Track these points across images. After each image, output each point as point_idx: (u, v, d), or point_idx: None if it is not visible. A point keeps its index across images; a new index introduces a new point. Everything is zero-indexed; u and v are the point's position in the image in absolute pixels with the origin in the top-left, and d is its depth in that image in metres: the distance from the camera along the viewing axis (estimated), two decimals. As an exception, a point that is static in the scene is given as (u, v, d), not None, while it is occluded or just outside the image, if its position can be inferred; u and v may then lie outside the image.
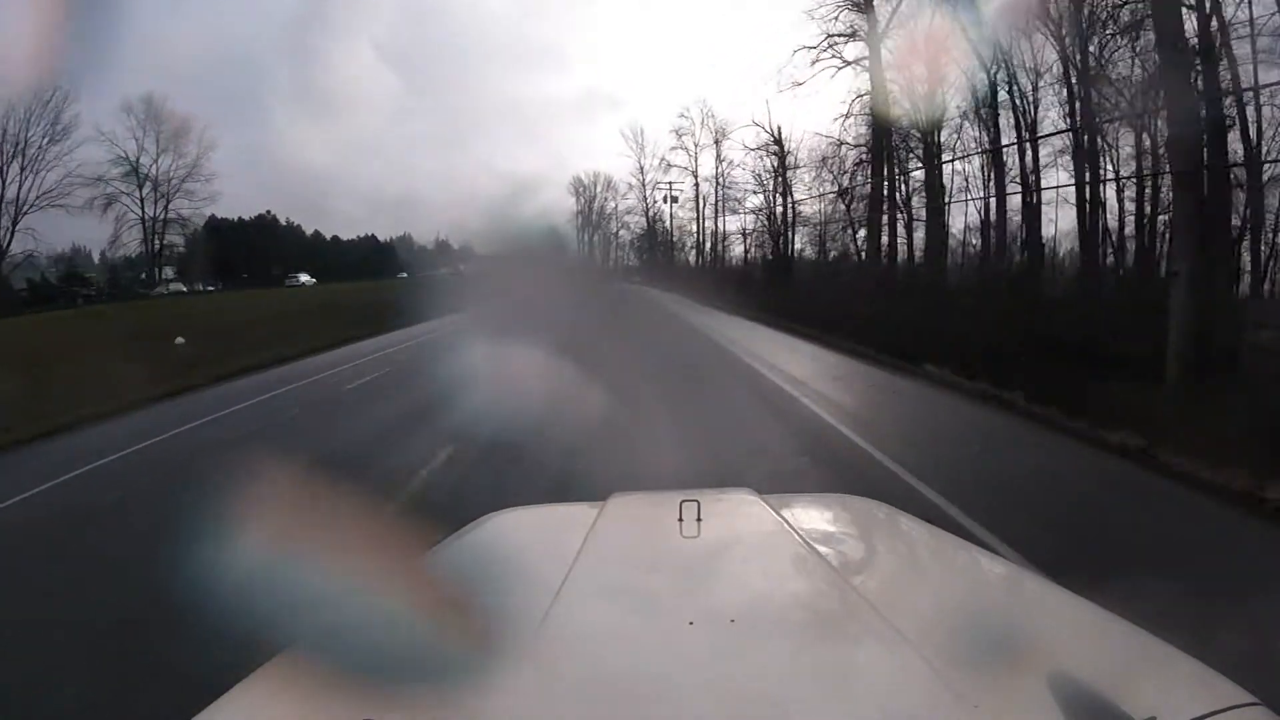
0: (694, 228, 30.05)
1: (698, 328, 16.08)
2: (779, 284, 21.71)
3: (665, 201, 30.19)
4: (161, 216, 26.05)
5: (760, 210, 25.11)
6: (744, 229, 27.03)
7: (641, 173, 32.10)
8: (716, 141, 28.22)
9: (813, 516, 1.51)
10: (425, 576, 1.15)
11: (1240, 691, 0.79)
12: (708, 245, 29.51)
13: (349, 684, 0.80)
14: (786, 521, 1.33)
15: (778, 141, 23.14)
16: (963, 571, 1.32)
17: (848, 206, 20.12)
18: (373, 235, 38.67)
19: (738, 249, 28.63)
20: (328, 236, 37.66)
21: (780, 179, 23.83)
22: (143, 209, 25.66)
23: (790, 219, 23.35)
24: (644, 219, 32.67)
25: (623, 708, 0.78)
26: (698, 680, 0.82)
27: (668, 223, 31.95)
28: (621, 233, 33.88)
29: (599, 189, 33.59)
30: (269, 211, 35.88)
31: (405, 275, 35.53)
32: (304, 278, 34.15)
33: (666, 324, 17.50)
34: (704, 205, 29.59)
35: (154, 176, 25.45)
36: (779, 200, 23.88)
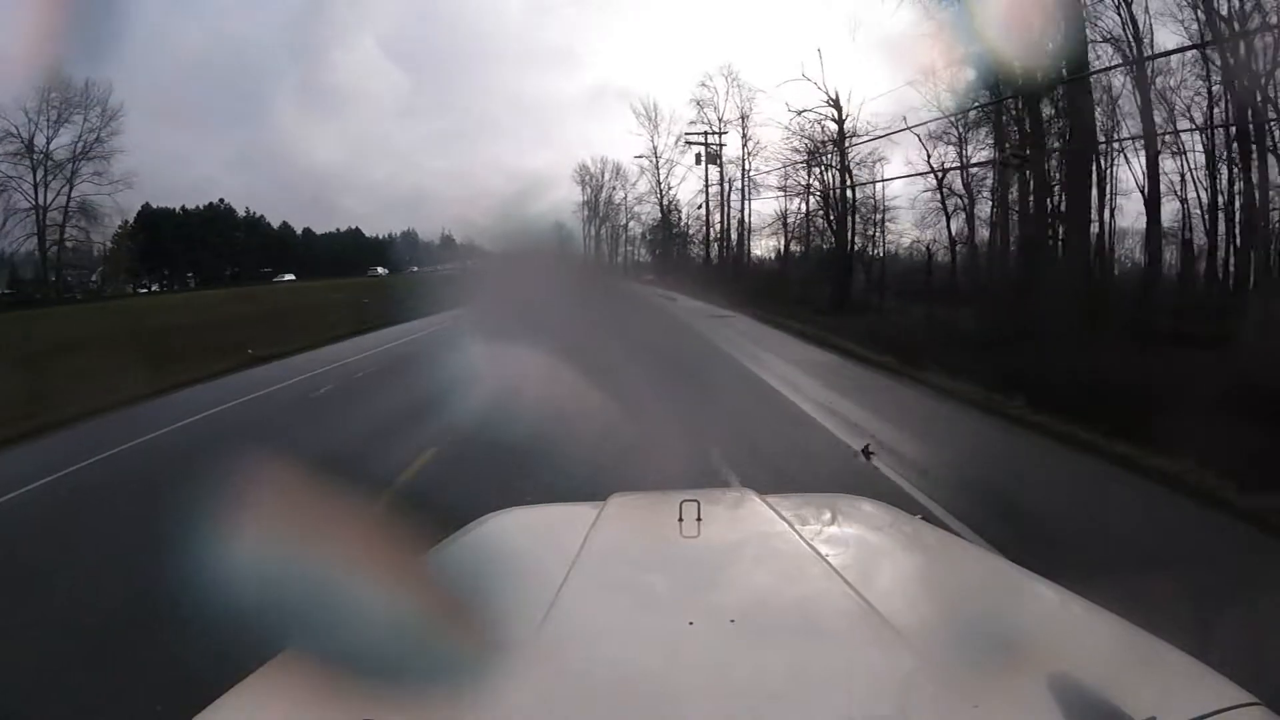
0: (717, 217, 25.18)
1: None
2: (841, 287, 17.06)
3: (699, 162, 24.72)
4: (63, 204, 20.21)
5: (813, 190, 19.71)
6: (783, 213, 21.61)
7: (655, 154, 27.20)
8: (743, 117, 23.20)
9: (813, 516, 1.51)
10: (425, 576, 1.15)
11: (1240, 691, 0.79)
12: (733, 238, 24.75)
13: (349, 684, 0.80)
14: (786, 521, 1.33)
15: (835, 104, 17.89)
16: (963, 571, 1.32)
17: (940, 180, 15.46)
18: (357, 229, 35.93)
19: (757, 244, 23.94)
20: (298, 230, 34.07)
21: (839, 151, 18.26)
22: (36, 195, 19.82)
23: (852, 202, 18.06)
24: (657, 207, 27.87)
25: (623, 708, 0.78)
26: (698, 680, 0.82)
27: (681, 212, 26.88)
28: (631, 225, 29.56)
29: (607, 177, 29.43)
30: (222, 200, 30.97)
31: (382, 271, 33.16)
32: (380, 270, 33.08)
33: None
34: (729, 190, 24.54)
35: (50, 155, 19.75)
36: (833, 178, 18.61)
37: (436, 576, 1.18)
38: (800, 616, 0.99)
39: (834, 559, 1.14)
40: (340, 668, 0.83)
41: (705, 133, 24.32)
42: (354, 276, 32.45)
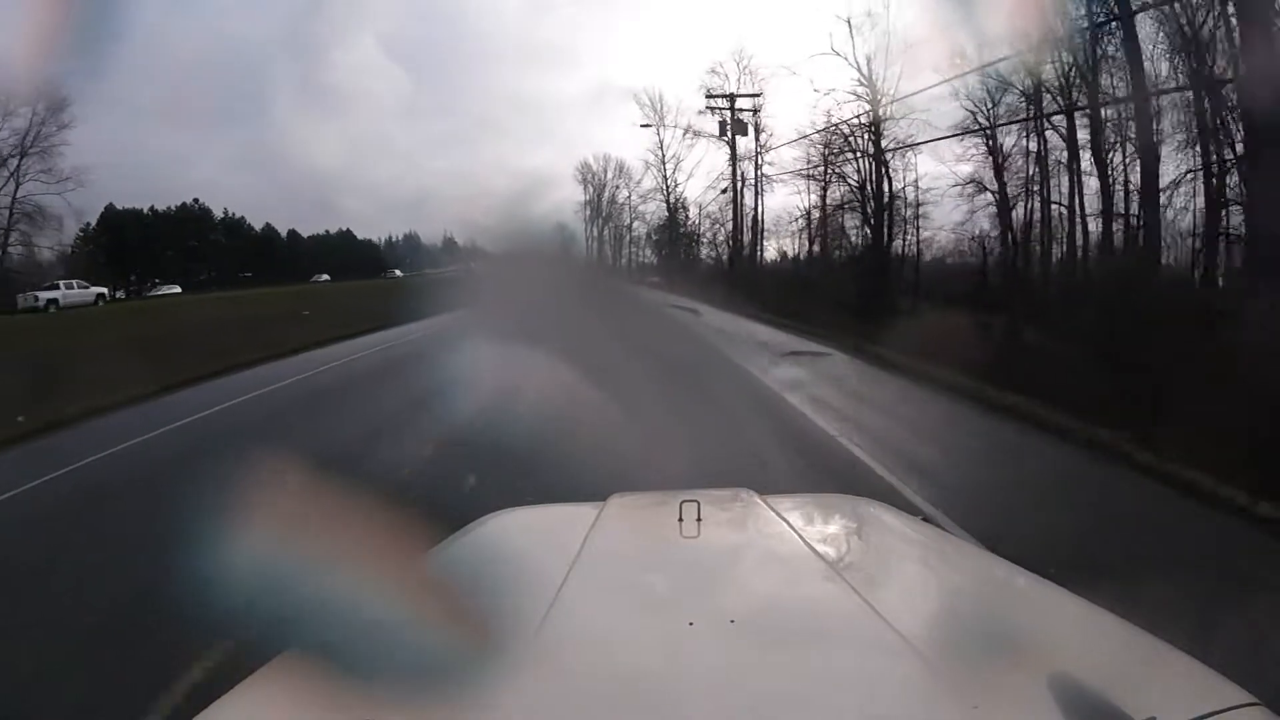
0: (731, 213, 22.16)
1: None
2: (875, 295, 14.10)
3: (723, 134, 21.31)
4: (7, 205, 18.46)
5: (844, 179, 16.81)
6: (808, 209, 18.88)
7: (661, 148, 24.80)
8: (755, 111, 20.55)
9: (813, 516, 1.51)
10: (425, 576, 1.15)
11: (1240, 692, 0.79)
12: (745, 238, 21.96)
13: (349, 685, 0.80)
14: (786, 521, 1.33)
15: (867, 82, 15.51)
16: (963, 571, 1.32)
17: (1000, 165, 12.58)
18: (348, 230, 34.18)
19: (768, 244, 21.44)
20: (283, 231, 32.31)
21: (874, 135, 15.65)
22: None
23: (889, 193, 15.37)
24: (663, 205, 25.42)
25: (623, 708, 0.78)
26: (698, 680, 0.82)
27: (689, 211, 24.17)
28: (636, 225, 27.36)
29: (610, 175, 27.32)
30: (196, 201, 28.94)
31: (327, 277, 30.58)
32: (398, 272, 32.27)
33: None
34: (742, 185, 21.62)
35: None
36: (868, 166, 15.83)
37: (436, 576, 1.18)
38: (800, 617, 0.99)
39: (834, 559, 1.14)
40: (340, 668, 0.83)
41: (731, 95, 20.93)
42: (342, 280, 30.51)
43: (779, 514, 1.37)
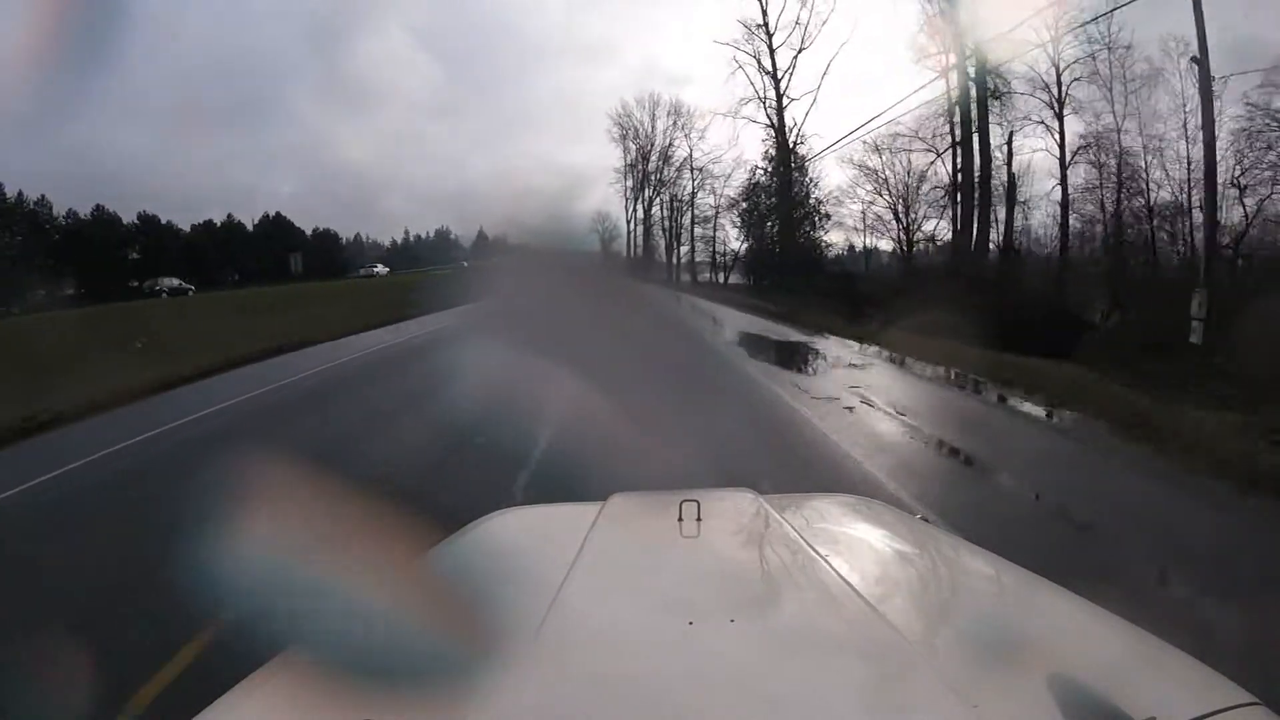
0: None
1: None
2: None
3: None
4: None
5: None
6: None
7: (764, 15, 13.24)
8: None
9: (813, 516, 1.51)
10: (425, 576, 1.15)
11: (1240, 691, 0.79)
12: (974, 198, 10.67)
13: (349, 684, 0.80)
14: (787, 521, 1.33)
15: None
16: (962, 572, 1.32)
17: None
18: (279, 214, 28.94)
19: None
20: (158, 221, 27.62)
21: None
22: None
23: None
24: (769, 126, 13.08)
25: (623, 708, 0.78)
26: (698, 680, 0.82)
27: (804, 149, 12.58)
28: (701, 199, 16.50)
29: (660, 125, 16.65)
30: None
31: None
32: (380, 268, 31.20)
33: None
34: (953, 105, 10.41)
35: None
36: None
37: (436, 576, 1.19)
38: (800, 616, 0.99)
39: (834, 559, 1.14)
40: (340, 668, 0.83)
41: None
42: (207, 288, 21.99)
43: (779, 514, 1.37)
